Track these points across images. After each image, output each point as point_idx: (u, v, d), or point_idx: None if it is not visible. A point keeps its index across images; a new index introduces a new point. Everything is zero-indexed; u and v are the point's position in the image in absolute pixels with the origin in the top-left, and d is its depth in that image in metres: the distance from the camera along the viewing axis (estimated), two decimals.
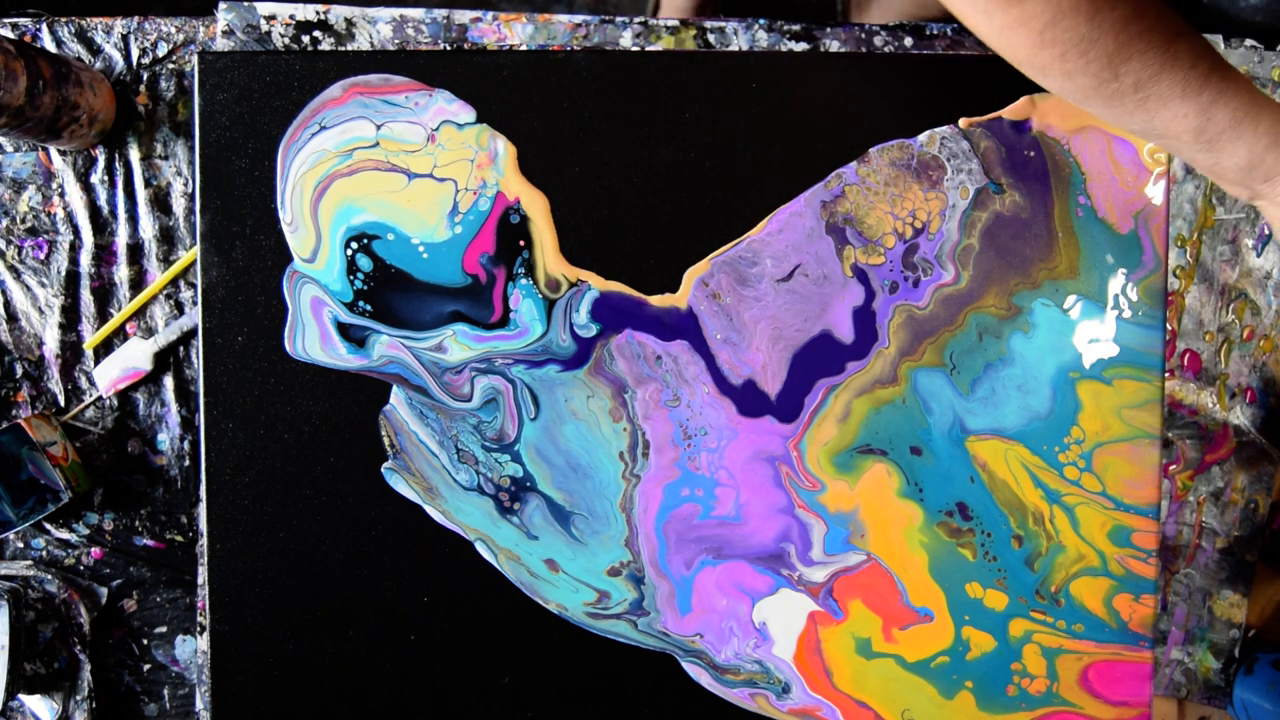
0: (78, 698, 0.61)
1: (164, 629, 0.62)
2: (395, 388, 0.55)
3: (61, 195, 0.61)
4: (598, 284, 0.54)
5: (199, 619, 0.60)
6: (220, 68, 0.54)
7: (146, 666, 0.62)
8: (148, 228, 0.61)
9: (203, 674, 0.60)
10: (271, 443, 0.56)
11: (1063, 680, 0.55)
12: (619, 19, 0.59)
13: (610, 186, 0.54)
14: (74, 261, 0.61)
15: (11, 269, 0.61)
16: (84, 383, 0.62)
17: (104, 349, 0.61)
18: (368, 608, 0.56)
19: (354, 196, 0.54)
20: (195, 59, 0.54)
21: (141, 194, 0.61)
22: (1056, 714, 0.55)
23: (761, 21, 0.59)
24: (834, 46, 0.59)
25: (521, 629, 0.56)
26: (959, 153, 0.54)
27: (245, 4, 0.59)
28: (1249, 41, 0.60)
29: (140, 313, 0.61)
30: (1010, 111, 0.54)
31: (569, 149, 0.54)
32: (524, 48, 0.59)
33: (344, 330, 0.55)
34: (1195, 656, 0.63)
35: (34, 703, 0.62)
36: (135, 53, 0.60)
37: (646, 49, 0.57)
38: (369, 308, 0.55)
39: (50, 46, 0.60)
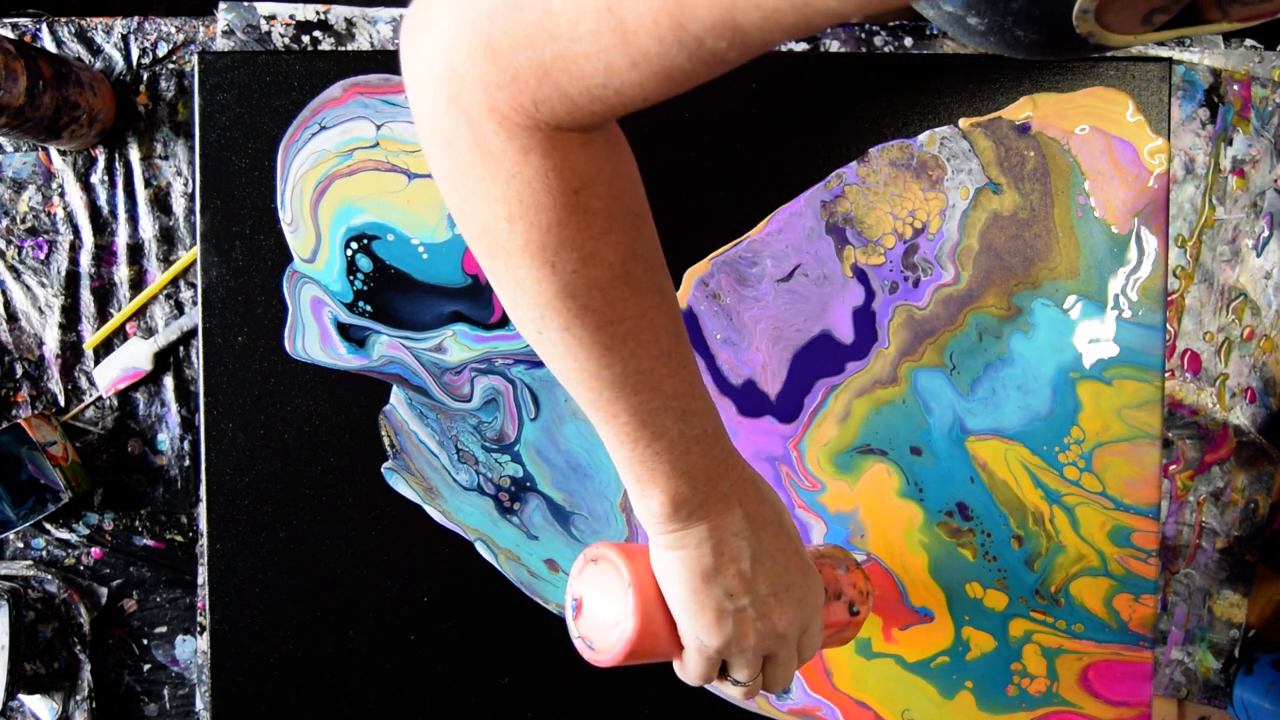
0: (78, 698, 0.61)
1: (164, 629, 0.62)
2: (395, 388, 0.55)
3: (61, 195, 0.61)
4: None
5: (199, 619, 0.60)
6: (220, 68, 0.54)
7: (146, 666, 0.62)
8: (148, 228, 0.61)
9: (203, 674, 0.60)
10: (271, 443, 0.55)
11: (1063, 680, 0.55)
12: None
13: None
14: (74, 261, 0.61)
15: (11, 269, 0.61)
16: (84, 383, 0.61)
17: (104, 349, 0.61)
18: (368, 608, 0.56)
19: (354, 197, 0.54)
20: (195, 59, 0.54)
21: (141, 194, 0.61)
22: (1056, 714, 0.55)
23: None
24: (834, 46, 0.59)
25: (521, 629, 0.56)
26: (959, 153, 0.54)
27: (245, 4, 0.58)
28: (1249, 42, 0.60)
29: (140, 313, 0.61)
30: (1010, 111, 0.54)
31: None
32: None
33: (344, 330, 0.55)
34: (1195, 656, 0.63)
35: (34, 703, 0.62)
36: (135, 53, 0.60)
37: None
38: (369, 308, 0.55)
39: (50, 46, 0.60)
